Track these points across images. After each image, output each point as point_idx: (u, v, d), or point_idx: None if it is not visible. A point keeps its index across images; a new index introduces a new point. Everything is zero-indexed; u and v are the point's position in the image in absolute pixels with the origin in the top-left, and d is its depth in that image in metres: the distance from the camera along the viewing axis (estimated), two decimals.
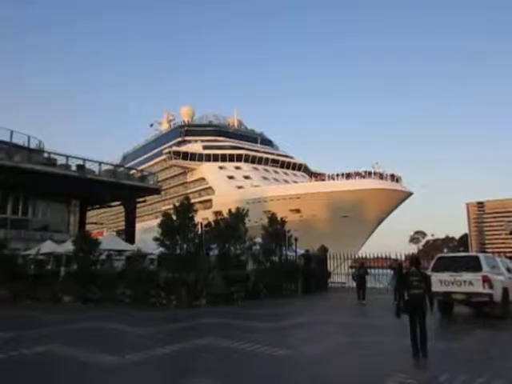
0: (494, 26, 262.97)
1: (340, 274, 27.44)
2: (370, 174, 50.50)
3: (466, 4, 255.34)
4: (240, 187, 57.70)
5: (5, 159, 25.11)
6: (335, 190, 48.75)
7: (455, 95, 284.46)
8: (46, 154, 28.76)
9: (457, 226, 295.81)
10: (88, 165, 29.37)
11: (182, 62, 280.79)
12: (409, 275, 9.13)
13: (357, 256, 28.52)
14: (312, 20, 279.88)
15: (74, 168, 28.59)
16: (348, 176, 51.77)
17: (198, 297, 18.01)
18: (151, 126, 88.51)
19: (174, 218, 20.06)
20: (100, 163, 30.52)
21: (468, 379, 6.62)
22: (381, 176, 50.34)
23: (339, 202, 47.57)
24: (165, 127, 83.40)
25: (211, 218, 39.82)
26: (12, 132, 26.75)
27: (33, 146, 28.90)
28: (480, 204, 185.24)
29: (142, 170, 39.40)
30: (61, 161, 28.27)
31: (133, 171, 36.83)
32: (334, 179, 52.97)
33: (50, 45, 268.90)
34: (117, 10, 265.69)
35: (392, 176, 50.57)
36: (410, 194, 52.51)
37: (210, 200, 61.10)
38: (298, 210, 50.34)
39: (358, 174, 51.35)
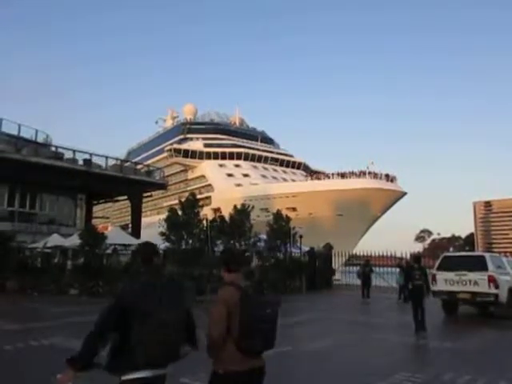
0: (498, 23, 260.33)
1: (337, 271, 27.00)
2: (364, 173, 49.94)
3: (469, 2, 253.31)
4: (239, 185, 57.11)
5: (13, 153, 24.58)
6: (330, 189, 48.27)
7: (463, 92, 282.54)
8: (53, 148, 28.21)
9: (463, 225, 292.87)
10: (95, 159, 28.79)
11: (183, 59, 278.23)
12: (412, 270, 11.12)
13: (354, 253, 28.08)
14: (312, 17, 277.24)
15: (80, 162, 28.00)
16: (343, 175, 51.24)
17: (203, 292, 17.43)
18: (156, 122, 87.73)
19: (180, 213, 19.54)
20: (107, 158, 29.92)
21: (471, 379, 6.41)
22: (375, 175, 49.81)
23: (334, 201, 47.15)
24: (169, 124, 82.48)
25: (210, 214, 39.26)
26: (20, 126, 26.32)
27: (40, 139, 28.46)
28: (487, 203, 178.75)
29: (148, 165, 38.67)
30: (68, 155, 27.70)
31: (139, 166, 36.15)
32: (329, 178, 52.45)
33: (50, 40, 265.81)
34: (116, 7, 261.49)
35: (387, 176, 50.09)
36: (405, 193, 52.09)
37: (209, 197, 60.41)
38: (294, 209, 49.68)
39: (353, 174, 50.79)
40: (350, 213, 47.45)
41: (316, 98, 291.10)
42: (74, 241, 20.73)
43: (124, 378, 2.62)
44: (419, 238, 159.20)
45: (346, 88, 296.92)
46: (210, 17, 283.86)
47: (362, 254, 23.99)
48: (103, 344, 2.65)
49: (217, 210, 43.86)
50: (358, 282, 20.09)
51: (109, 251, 20.76)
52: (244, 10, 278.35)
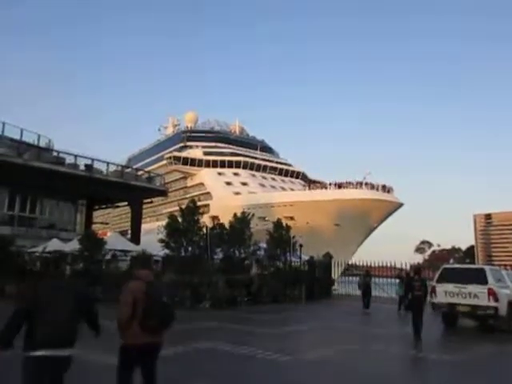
0: (495, 31, 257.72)
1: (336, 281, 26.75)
2: (361, 184, 49.81)
3: (465, 9, 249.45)
4: (237, 193, 56.86)
5: (15, 157, 24.35)
6: (327, 198, 48.07)
7: (464, 100, 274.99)
8: (54, 153, 27.92)
9: (463, 237, 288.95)
10: (96, 165, 28.58)
11: (185, 65, 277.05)
12: (413, 281, 11.73)
13: (354, 263, 27.84)
14: (312, 24, 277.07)
15: (82, 167, 27.74)
16: (340, 185, 51.04)
17: (202, 300, 17.17)
18: (159, 130, 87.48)
19: (180, 220, 19.28)
20: (108, 163, 29.70)
21: None
22: (372, 186, 49.67)
23: (331, 211, 46.96)
24: (169, 132, 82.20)
25: (208, 222, 39.11)
26: (22, 130, 26.09)
27: (42, 144, 28.18)
28: (487, 216, 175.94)
29: (149, 172, 38.34)
30: (69, 160, 27.44)
31: (140, 172, 35.85)
32: (326, 188, 52.23)
33: (51, 44, 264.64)
34: (116, 11, 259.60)
35: (383, 186, 49.94)
36: (401, 204, 51.93)
37: (207, 205, 60.10)
38: (291, 218, 49.41)
39: (349, 184, 50.64)
40: (347, 223, 47.28)
41: (316, 106, 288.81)
42: (74, 246, 20.48)
43: (26, 355, 3.69)
44: (419, 249, 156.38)
45: (346, 95, 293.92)
46: (209, 22, 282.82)
47: (361, 264, 23.75)
48: (15, 333, 3.65)
49: (215, 218, 43.68)
50: (357, 291, 19.81)
51: (108, 257, 20.47)
52: (244, 15, 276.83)
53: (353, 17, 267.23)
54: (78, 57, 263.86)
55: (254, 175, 62.06)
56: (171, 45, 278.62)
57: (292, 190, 59.75)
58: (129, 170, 36.86)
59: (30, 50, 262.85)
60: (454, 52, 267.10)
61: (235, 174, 61.57)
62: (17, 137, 26.14)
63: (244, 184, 59.41)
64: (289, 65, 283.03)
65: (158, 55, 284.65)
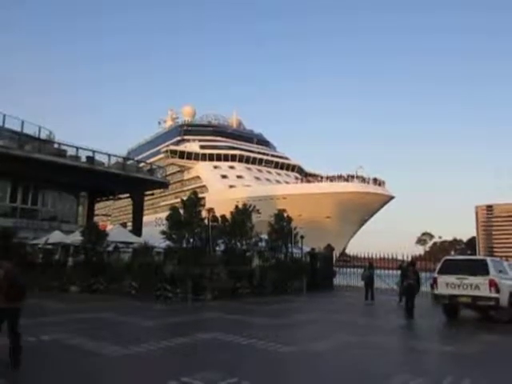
0: (495, 26, 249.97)
1: None
2: (353, 177, 49.48)
3: (464, 3, 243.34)
4: (232, 186, 56.24)
5: (16, 149, 23.74)
6: (319, 191, 47.70)
7: (466, 96, 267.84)
8: (56, 145, 27.25)
9: (465, 229, 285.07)
10: (97, 157, 27.93)
11: (184, 61, 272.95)
12: (407, 271, 13.46)
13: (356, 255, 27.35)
14: (312, 20, 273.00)
15: (83, 159, 27.11)
16: (332, 179, 50.69)
17: (204, 291, 16.70)
18: (159, 123, 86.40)
19: (181, 212, 18.70)
20: (109, 155, 29.06)
21: (472, 382, 6.15)
22: (363, 180, 49.37)
23: (323, 204, 46.59)
24: (168, 125, 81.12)
25: (204, 215, 38.51)
26: (23, 122, 25.31)
27: (43, 136, 27.35)
28: (489, 207, 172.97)
29: (150, 164, 37.54)
30: (71, 152, 26.81)
31: (142, 164, 35.10)
32: (319, 181, 51.88)
33: (51, 40, 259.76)
34: (117, 8, 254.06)
35: (375, 180, 49.70)
36: (392, 197, 51.72)
37: (203, 198, 59.25)
38: (284, 210, 48.94)
39: (341, 177, 50.29)
40: (338, 215, 47.01)
41: (316, 103, 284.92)
42: (76, 237, 19.92)
43: None
44: (420, 240, 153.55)
45: (345, 92, 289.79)
46: (209, 19, 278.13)
47: (363, 256, 23.27)
48: None
49: (210, 211, 43.01)
50: (358, 283, 19.43)
51: (110, 249, 19.90)
52: (242, 14, 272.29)
53: (349, 13, 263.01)
54: (79, 52, 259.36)
55: (249, 168, 61.33)
56: (172, 40, 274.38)
57: (287, 182, 59.19)
58: (130, 162, 36.04)
59: (31, 45, 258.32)
60: (451, 46, 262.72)
61: (231, 168, 60.86)
62: (17, 129, 25.39)
63: (239, 177, 58.75)
64: (289, 60, 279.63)
65: (159, 51, 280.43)
